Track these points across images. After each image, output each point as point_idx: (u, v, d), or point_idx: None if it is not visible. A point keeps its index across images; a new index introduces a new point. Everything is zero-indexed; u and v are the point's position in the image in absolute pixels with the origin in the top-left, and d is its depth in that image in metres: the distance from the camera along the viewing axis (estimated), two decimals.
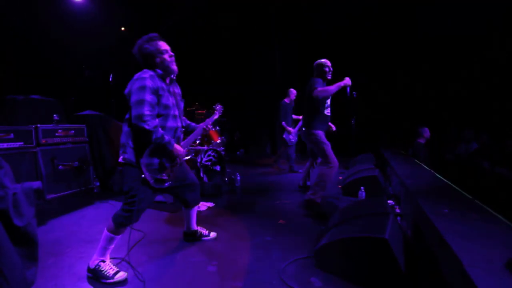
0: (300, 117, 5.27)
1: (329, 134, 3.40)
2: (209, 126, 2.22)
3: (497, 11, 5.28)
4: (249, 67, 8.20)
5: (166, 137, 1.86)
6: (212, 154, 4.22)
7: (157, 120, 1.85)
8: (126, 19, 6.34)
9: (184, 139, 2.15)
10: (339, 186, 4.17)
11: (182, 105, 2.14)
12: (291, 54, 7.85)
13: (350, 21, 6.99)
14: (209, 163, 4.14)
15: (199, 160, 3.95)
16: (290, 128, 5.32)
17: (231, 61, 8.17)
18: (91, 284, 1.81)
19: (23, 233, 1.00)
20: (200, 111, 5.75)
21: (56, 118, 3.52)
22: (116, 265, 1.95)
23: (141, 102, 1.77)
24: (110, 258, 1.96)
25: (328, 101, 3.29)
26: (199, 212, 3.24)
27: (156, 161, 1.89)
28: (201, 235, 2.47)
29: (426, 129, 4.65)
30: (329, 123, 3.43)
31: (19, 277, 0.94)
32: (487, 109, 5.74)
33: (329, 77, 3.26)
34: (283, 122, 5.33)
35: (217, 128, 4.86)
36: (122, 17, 6.22)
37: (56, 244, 2.41)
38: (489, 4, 5.33)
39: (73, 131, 3.60)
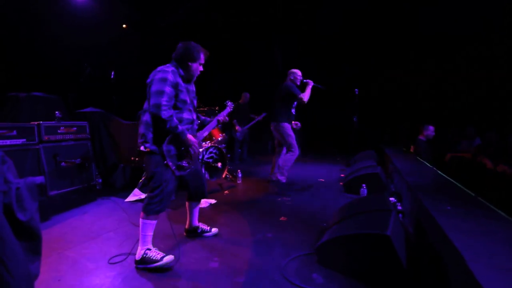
0: (260, 117, 6.24)
1: (296, 129, 4.12)
2: (225, 118, 2.45)
3: (496, 10, 5.26)
4: (250, 63, 8.19)
5: (180, 127, 1.98)
6: (213, 151, 4.22)
7: (172, 110, 1.97)
8: (127, 15, 6.32)
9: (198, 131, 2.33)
10: (341, 183, 4.17)
11: (195, 102, 2.29)
12: (292, 50, 7.83)
13: (351, 18, 6.95)
14: (210, 160, 4.14)
15: (200, 157, 3.96)
16: (238, 127, 6.10)
17: (231, 58, 8.15)
18: (94, 278, 1.82)
19: (26, 227, 1.01)
20: (201, 108, 5.78)
21: (58, 115, 3.52)
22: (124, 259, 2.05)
23: (160, 93, 1.91)
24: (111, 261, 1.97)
25: (295, 103, 4.04)
26: (201, 209, 3.25)
27: (175, 148, 2.03)
28: (203, 231, 2.49)
29: (431, 128, 4.61)
30: (294, 122, 4.14)
31: (23, 270, 0.95)
32: (490, 106, 5.71)
33: (298, 83, 4.01)
34: (234, 120, 6.05)
35: (219, 125, 4.86)
36: (123, 13, 6.20)
37: (59, 240, 2.42)
38: (488, 3, 5.30)
39: (75, 128, 3.60)
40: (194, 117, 2.21)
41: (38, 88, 3.85)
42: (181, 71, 2.08)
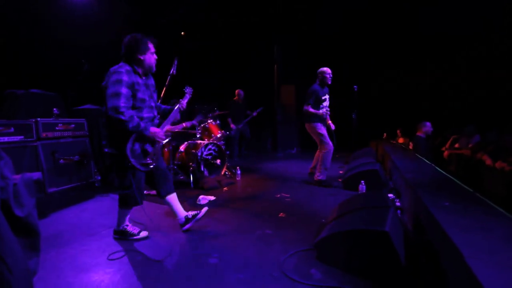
0: (255, 112, 6.31)
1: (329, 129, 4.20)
2: (183, 106, 2.37)
3: (496, 10, 5.25)
4: (249, 61, 8.16)
5: (142, 124, 2.00)
6: (212, 148, 4.22)
7: (131, 110, 1.98)
8: (127, 15, 6.27)
9: (161, 123, 2.31)
10: (340, 180, 4.18)
11: (155, 96, 2.29)
12: (291, 49, 7.80)
13: (351, 18, 6.92)
14: (209, 157, 4.14)
15: (199, 154, 3.95)
16: (232, 125, 6.18)
17: (231, 56, 8.12)
18: (93, 274, 1.83)
19: (24, 223, 1.01)
20: (198, 107, 5.81)
21: (56, 112, 3.50)
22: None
23: (117, 95, 1.90)
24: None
25: (324, 103, 4.04)
26: (200, 206, 3.25)
27: (138, 147, 2.07)
28: (193, 216, 2.46)
29: (429, 124, 4.65)
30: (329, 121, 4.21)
31: (21, 266, 0.94)
32: (490, 106, 5.72)
33: (329, 82, 4.01)
34: (229, 118, 6.14)
35: (218, 122, 4.85)
36: (121, 11, 6.15)
37: (58, 237, 2.42)
38: (488, 3, 5.29)
39: (73, 125, 3.58)
40: (155, 113, 2.23)
41: (37, 86, 3.82)
42: (136, 67, 2.05)
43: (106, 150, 2.11)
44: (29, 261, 1.02)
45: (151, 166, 2.15)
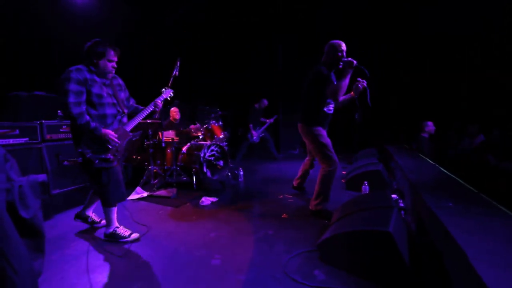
0: (268, 120, 6.41)
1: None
2: (158, 104, 2.45)
3: (496, 10, 5.23)
4: (249, 61, 8.18)
5: (93, 124, 2.06)
6: (215, 149, 4.22)
7: (83, 107, 2.06)
8: (127, 14, 6.31)
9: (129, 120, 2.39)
10: (343, 180, 4.17)
11: (122, 94, 2.38)
12: (292, 49, 7.81)
13: (351, 18, 6.92)
14: (212, 158, 4.15)
15: (202, 155, 3.96)
16: (254, 132, 6.19)
17: (231, 56, 8.14)
18: (97, 275, 1.84)
19: (29, 224, 1.02)
20: (201, 107, 5.83)
21: (60, 114, 3.53)
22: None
23: (66, 92, 2.00)
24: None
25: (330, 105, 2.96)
26: (202, 207, 3.26)
27: (96, 144, 2.12)
28: (93, 221, 2.66)
29: (430, 123, 4.63)
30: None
31: (27, 267, 0.95)
32: (490, 105, 5.69)
33: (341, 66, 2.69)
34: (251, 125, 6.16)
35: (220, 123, 4.86)
36: (122, 11, 6.19)
37: (62, 238, 2.44)
38: (488, 3, 5.27)
39: None
40: (119, 109, 2.30)
41: (39, 87, 3.86)
42: (91, 67, 2.15)
43: (79, 150, 2.13)
44: (34, 262, 1.03)
45: (114, 163, 2.22)
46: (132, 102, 2.53)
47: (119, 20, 6.15)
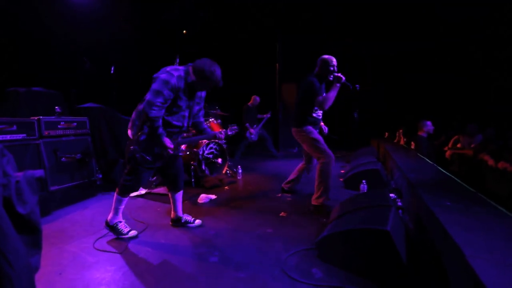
0: (264, 115, 6.43)
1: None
2: (221, 136, 2.42)
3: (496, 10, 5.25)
4: (250, 60, 8.18)
5: (161, 129, 2.10)
6: (214, 147, 4.22)
7: (162, 111, 2.08)
8: (126, 11, 6.29)
9: (189, 136, 2.50)
10: (341, 179, 4.17)
11: (196, 108, 2.36)
12: (293, 47, 7.81)
13: (351, 17, 6.92)
14: (211, 156, 4.14)
15: (200, 152, 3.96)
16: (252, 130, 6.19)
17: (232, 55, 8.13)
18: (95, 272, 1.83)
19: (26, 220, 1.01)
20: (222, 113, 5.86)
21: (58, 110, 3.51)
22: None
23: (158, 93, 2.01)
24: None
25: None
26: (201, 204, 3.26)
27: (147, 142, 2.15)
28: (186, 221, 2.58)
29: (429, 123, 4.63)
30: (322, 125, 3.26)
31: (23, 263, 0.95)
32: (490, 105, 5.71)
33: (331, 78, 2.91)
34: (247, 124, 6.15)
35: (219, 121, 4.86)
36: (122, 9, 6.16)
37: (60, 234, 2.43)
38: (490, 3, 5.28)
39: (75, 124, 3.59)
40: (185, 124, 2.28)
41: (38, 84, 3.84)
42: (190, 78, 2.14)
43: (128, 132, 2.23)
44: (31, 258, 1.03)
45: (149, 166, 2.22)
46: (201, 114, 2.48)
47: (120, 14, 6.12)
